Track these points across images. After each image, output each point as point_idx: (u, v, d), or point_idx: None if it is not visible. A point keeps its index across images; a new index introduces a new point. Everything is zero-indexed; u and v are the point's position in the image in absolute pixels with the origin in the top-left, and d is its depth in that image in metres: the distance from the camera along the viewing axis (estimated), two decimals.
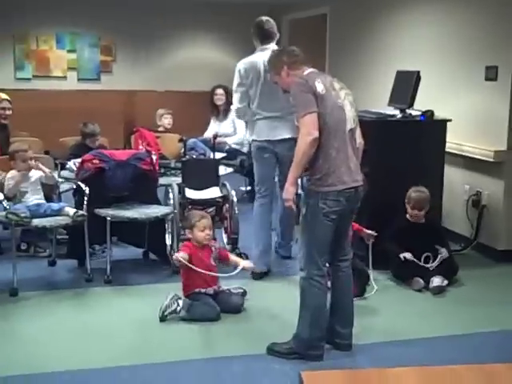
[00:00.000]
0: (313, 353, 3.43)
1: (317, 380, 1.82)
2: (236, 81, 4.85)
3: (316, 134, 3.23)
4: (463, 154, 5.61)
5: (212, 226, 4.29)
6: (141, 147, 5.95)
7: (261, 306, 4.18)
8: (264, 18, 4.90)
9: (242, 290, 4.26)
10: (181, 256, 3.97)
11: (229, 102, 7.05)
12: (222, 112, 7.55)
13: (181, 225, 4.84)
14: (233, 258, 4.29)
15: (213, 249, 4.21)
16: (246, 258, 4.82)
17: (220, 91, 7.52)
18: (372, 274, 4.40)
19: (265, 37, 4.82)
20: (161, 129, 7.06)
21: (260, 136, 4.86)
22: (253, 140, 4.93)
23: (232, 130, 7.45)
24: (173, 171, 6.06)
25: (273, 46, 4.72)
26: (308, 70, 3.47)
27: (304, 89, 3.29)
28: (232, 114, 7.12)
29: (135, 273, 4.92)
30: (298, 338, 3.47)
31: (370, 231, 4.43)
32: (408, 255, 4.67)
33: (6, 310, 4.14)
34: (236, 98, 4.92)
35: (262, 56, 4.71)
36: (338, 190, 3.29)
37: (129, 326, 3.93)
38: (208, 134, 7.29)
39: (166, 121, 7.22)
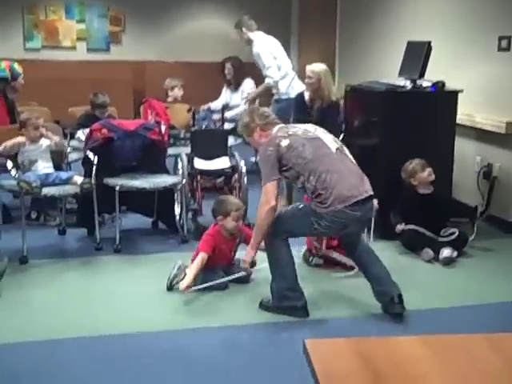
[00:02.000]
0: (287, 304, 3.57)
1: (321, 348, 1.80)
2: (268, 57, 6.38)
3: (273, 202, 3.45)
4: (475, 125, 5.53)
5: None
6: (150, 117, 5.91)
7: (269, 276, 4.11)
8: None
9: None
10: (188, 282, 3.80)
11: (238, 75, 7.25)
12: (232, 84, 7.50)
13: (190, 195, 4.85)
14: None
15: (237, 240, 4.14)
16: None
17: (228, 65, 7.48)
18: (375, 245, 4.25)
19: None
20: (170, 99, 7.01)
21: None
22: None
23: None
24: (182, 141, 6.09)
25: None
26: (276, 128, 3.66)
27: (269, 149, 3.51)
28: (244, 86, 7.27)
29: (144, 242, 4.93)
30: (272, 293, 3.65)
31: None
32: (410, 226, 4.66)
33: (17, 277, 4.15)
34: (272, 71, 6.46)
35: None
36: (337, 209, 3.39)
37: (137, 294, 3.93)
38: (217, 104, 7.29)
39: (179, 92, 7.15)
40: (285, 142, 3.52)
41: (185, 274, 3.96)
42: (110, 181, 4.69)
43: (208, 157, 5.30)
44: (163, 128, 5.18)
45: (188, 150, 5.44)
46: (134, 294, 3.93)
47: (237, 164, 5.24)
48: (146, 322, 3.56)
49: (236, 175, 5.22)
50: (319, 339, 1.82)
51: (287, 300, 3.60)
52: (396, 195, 4.81)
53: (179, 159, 5.26)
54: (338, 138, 5.52)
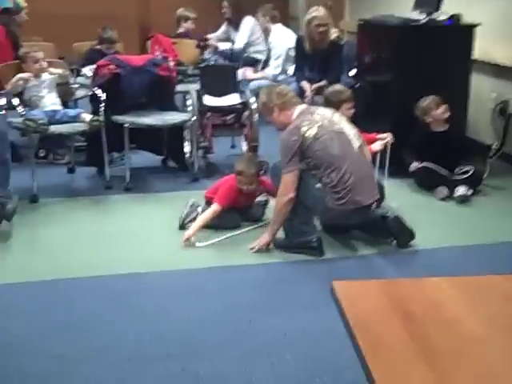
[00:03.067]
0: (302, 239, 3.55)
1: (349, 289, 1.75)
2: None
3: (292, 194, 3.44)
4: (491, 60, 5.37)
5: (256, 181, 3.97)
6: (157, 53, 5.76)
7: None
8: None
9: (264, 199, 4.15)
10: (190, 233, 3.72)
11: (237, 13, 7.28)
12: (233, 22, 7.42)
13: (200, 132, 4.80)
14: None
15: (257, 199, 4.05)
16: (267, 166, 4.73)
17: (225, 3, 7.45)
18: (388, 184, 4.21)
19: None
20: (181, 30, 6.85)
21: None
22: None
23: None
24: (190, 78, 5.93)
25: None
26: (298, 110, 3.58)
27: (292, 139, 3.44)
28: (244, 24, 7.14)
29: (154, 180, 4.90)
30: (285, 230, 3.63)
31: (384, 135, 4.28)
32: (424, 164, 4.60)
33: (27, 216, 4.10)
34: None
35: None
36: (348, 209, 3.45)
37: (148, 233, 3.90)
38: (225, 45, 7.30)
39: (191, 25, 6.99)
40: (311, 132, 3.46)
41: (197, 214, 3.93)
42: (119, 118, 4.61)
43: (218, 93, 5.21)
44: (171, 64, 5.09)
45: (197, 86, 5.35)
46: (145, 233, 3.90)
47: (247, 100, 5.14)
48: (159, 260, 3.53)
49: (246, 112, 5.15)
50: (347, 281, 1.76)
51: (301, 235, 3.57)
52: (409, 133, 4.72)
53: (188, 96, 5.18)
54: (338, 77, 5.78)
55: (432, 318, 1.59)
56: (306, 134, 3.45)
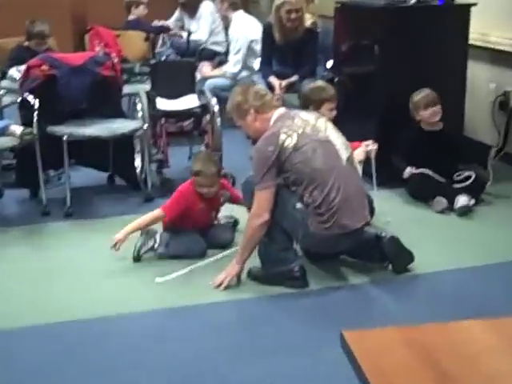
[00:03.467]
0: (281, 268, 3.52)
1: (365, 340, 1.67)
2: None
3: (266, 216, 3.40)
4: (489, 45, 5.41)
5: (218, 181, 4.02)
6: (97, 49, 5.74)
7: None
8: None
9: (232, 220, 4.18)
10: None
11: None
12: (188, 8, 7.45)
13: (152, 143, 4.83)
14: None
15: (222, 199, 4.07)
16: (233, 180, 4.80)
17: None
18: (377, 195, 4.21)
19: None
20: (132, 17, 6.80)
21: None
22: None
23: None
24: (138, 77, 5.94)
25: None
26: (276, 115, 3.56)
27: (269, 149, 3.41)
28: (202, 9, 7.25)
29: (100, 202, 4.88)
30: (260, 259, 3.61)
31: (367, 142, 4.27)
32: (420, 170, 4.62)
33: None
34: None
35: None
36: (334, 234, 3.43)
37: (96, 269, 3.86)
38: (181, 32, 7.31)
39: (144, 11, 6.97)
40: (290, 141, 3.42)
41: (154, 242, 3.90)
42: (56, 129, 4.58)
43: (172, 95, 5.20)
44: (115, 61, 5.03)
45: (147, 87, 5.32)
46: (92, 269, 3.85)
47: (208, 102, 5.14)
48: (110, 302, 3.48)
49: (207, 116, 5.14)
50: (361, 330, 1.72)
51: (280, 263, 3.54)
52: (398, 134, 4.77)
53: (137, 99, 5.16)
54: (313, 70, 5.89)
55: (472, 377, 1.52)
56: (285, 144, 3.41)
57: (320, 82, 4.50)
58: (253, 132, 3.68)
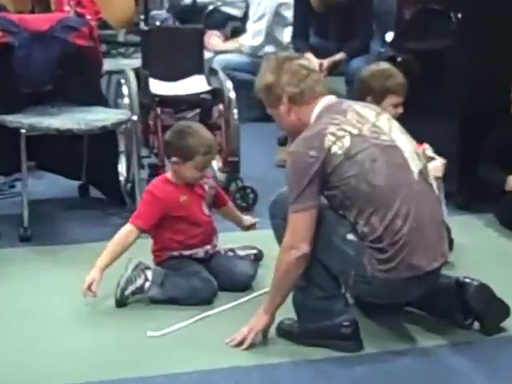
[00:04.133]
0: (325, 323, 3.45)
1: None
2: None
3: (305, 248, 3.33)
4: None
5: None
6: (67, 8, 5.64)
7: None
8: None
9: (254, 252, 4.18)
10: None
11: None
12: None
13: (144, 141, 4.89)
14: (232, 207, 4.28)
15: (206, 187, 4.10)
16: (254, 196, 4.86)
17: None
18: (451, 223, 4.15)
19: None
20: None
21: None
22: None
23: None
24: (123, 49, 6.06)
25: None
26: (321, 105, 3.49)
27: (310, 155, 3.33)
28: None
29: (69, 223, 4.89)
30: (296, 310, 3.55)
31: (434, 155, 4.25)
32: None
33: None
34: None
35: None
36: (399, 277, 3.34)
37: (64, 315, 3.78)
38: None
39: None
40: (341, 146, 3.33)
41: (145, 280, 3.87)
42: (10, 119, 4.59)
43: (172, 75, 5.25)
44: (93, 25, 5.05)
45: (136, 63, 5.37)
46: (57, 316, 3.77)
47: (221, 86, 5.15)
48: (83, 367, 3.37)
49: (220, 106, 5.15)
50: None
51: (323, 315, 3.46)
52: (484, 133, 4.79)
53: (122, 80, 5.19)
54: (365, 45, 5.93)
55: None
56: (333, 149, 3.31)
57: (385, 65, 4.42)
58: (287, 127, 3.62)
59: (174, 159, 3.96)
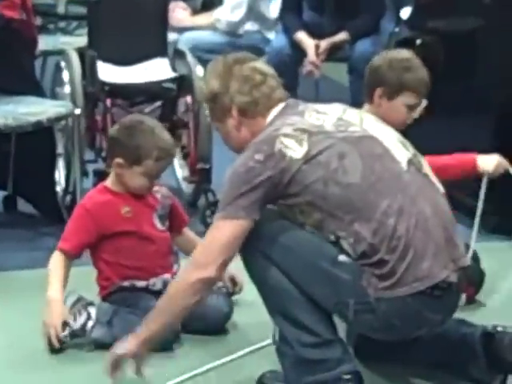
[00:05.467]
0: (319, 377, 3.43)
1: None
2: None
3: (212, 272, 3.35)
4: None
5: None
6: None
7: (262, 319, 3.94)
8: None
9: (227, 285, 4.22)
10: None
11: None
12: None
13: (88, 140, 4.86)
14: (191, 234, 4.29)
15: (158, 196, 4.16)
16: None
17: None
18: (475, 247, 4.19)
19: None
20: None
21: None
22: None
23: None
24: (63, 23, 6.07)
25: None
26: (275, 111, 3.55)
27: (256, 158, 3.36)
28: None
29: None
30: (281, 358, 3.55)
31: (487, 156, 4.24)
32: None
33: None
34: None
35: None
36: (412, 293, 3.31)
37: None
38: None
39: None
40: (298, 148, 3.36)
41: (88, 319, 3.88)
42: None
43: (126, 58, 5.33)
44: None
45: (81, 42, 5.40)
46: None
47: (189, 73, 5.22)
48: None
49: (187, 98, 5.27)
50: None
51: (317, 367, 3.43)
52: None
53: (62, 63, 5.21)
54: (375, 23, 6.00)
55: None
56: (288, 152, 3.35)
57: (407, 54, 4.37)
58: (237, 144, 3.61)
59: (118, 160, 3.98)
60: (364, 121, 3.54)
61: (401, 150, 3.49)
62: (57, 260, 3.91)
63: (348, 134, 3.42)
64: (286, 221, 3.47)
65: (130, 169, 3.97)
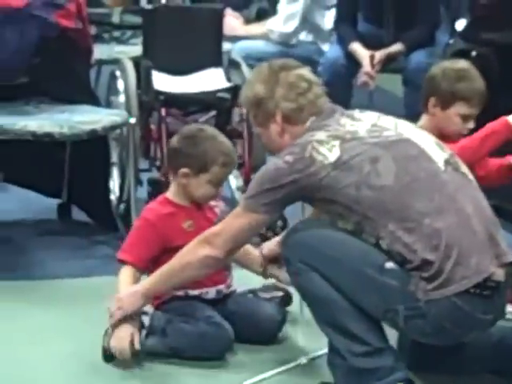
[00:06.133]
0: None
1: None
2: None
3: (220, 253, 3.54)
4: None
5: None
6: None
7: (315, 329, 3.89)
8: None
9: (280, 294, 4.20)
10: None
11: None
12: None
13: (144, 150, 4.87)
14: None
15: (217, 211, 4.16)
16: (283, 221, 4.92)
17: None
18: None
19: None
20: None
21: None
22: None
23: None
24: (118, 33, 6.09)
25: None
26: (311, 120, 3.58)
27: (285, 159, 3.44)
28: None
29: (43, 252, 4.93)
30: (332, 369, 3.58)
31: None
32: None
33: None
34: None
35: None
36: (461, 291, 3.31)
37: (36, 374, 3.74)
38: None
39: None
40: (329, 154, 3.41)
41: (141, 326, 3.89)
42: None
43: (182, 68, 5.36)
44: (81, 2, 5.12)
45: (135, 50, 5.46)
46: (28, 372, 3.74)
47: (244, 83, 5.07)
48: None
49: (242, 108, 5.13)
50: None
51: (368, 376, 3.45)
52: None
53: (117, 72, 5.25)
54: (430, 34, 5.98)
55: None
56: (318, 158, 3.39)
57: (464, 64, 4.37)
58: (276, 149, 3.65)
59: (183, 171, 3.97)
60: (399, 125, 3.58)
61: (437, 151, 3.52)
62: (126, 273, 3.93)
63: (382, 139, 3.46)
64: (329, 229, 3.51)
65: (196, 177, 3.98)
